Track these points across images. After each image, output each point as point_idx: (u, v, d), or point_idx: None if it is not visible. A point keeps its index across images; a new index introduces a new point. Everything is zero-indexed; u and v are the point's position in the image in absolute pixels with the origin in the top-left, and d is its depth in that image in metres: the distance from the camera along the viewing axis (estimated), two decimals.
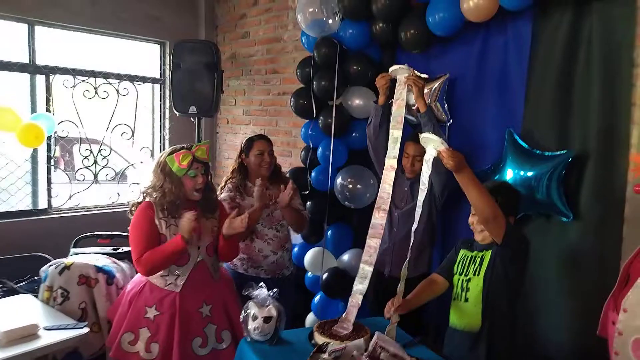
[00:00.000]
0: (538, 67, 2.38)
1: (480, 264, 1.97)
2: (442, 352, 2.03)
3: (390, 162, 2.23)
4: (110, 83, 4.19)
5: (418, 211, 2.01)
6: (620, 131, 2.13)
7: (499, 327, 1.95)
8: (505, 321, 1.96)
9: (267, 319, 2.03)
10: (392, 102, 2.38)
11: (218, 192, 2.70)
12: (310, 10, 2.97)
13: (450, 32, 2.55)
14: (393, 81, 2.46)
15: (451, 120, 2.72)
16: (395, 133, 2.25)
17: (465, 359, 1.98)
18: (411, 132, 2.61)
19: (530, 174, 2.27)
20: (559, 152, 2.23)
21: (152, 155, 4.56)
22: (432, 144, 1.88)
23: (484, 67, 2.62)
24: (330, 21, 2.96)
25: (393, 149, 2.24)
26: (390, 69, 2.46)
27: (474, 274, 1.98)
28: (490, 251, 1.96)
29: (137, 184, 4.35)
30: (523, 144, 2.36)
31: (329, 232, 3.17)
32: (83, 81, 4.04)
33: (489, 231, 1.91)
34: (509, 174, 2.36)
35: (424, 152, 2.03)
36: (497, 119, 2.57)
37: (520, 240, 1.94)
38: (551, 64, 2.32)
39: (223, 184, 2.77)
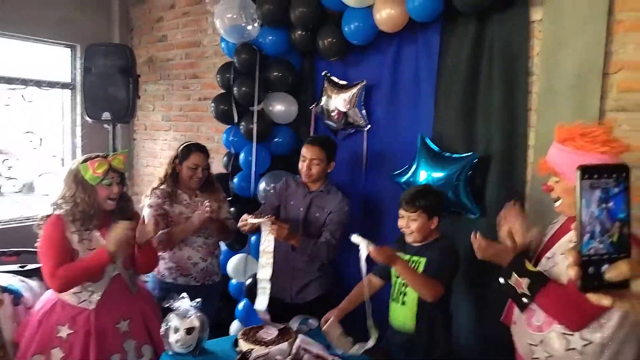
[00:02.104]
0: (446, 75, 2.54)
1: (416, 270, 2.06)
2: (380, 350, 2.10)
3: None
4: (14, 89, 3.90)
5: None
6: (519, 134, 2.33)
7: (434, 329, 2.06)
8: (440, 323, 2.07)
9: (189, 330, 1.99)
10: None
11: (148, 194, 2.63)
12: (229, 16, 2.96)
13: (365, 41, 2.65)
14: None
15: (369, 125, 2.82)
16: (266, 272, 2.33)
17: (403, 357, 2.08)
18: (309, 137, 2.63)
19: (441, 174, 2.42)
20: (465, 154, 2.39)
21: (63, 164, 4.30)
22: (362, 245, 1.97)
23: (398, 75, 2.74)
24: (249, 27, 2.96)
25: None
26: (254, 220, 2.33)
27: None
28: (425, 258, 2.07)
29: (47, 195, 4.08)
30: (434, 146, 2.50)
31: (253, 239, 3.16)
32: None
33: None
34: (422, 175, 2.49)
35: (320, 156, 2.44)
36: (410, 123, 2.70)
37: (454, 266, 2.10)
38: (457, 73, 2.48)
39: (155, 186, 2.67)
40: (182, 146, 2.71)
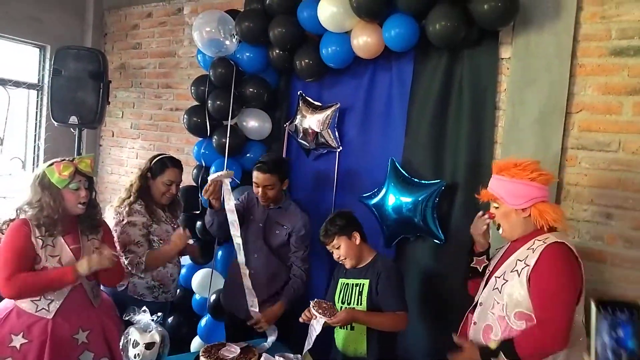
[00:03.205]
0: (417, 104, 2.62)
1: (361, 293, 2.13)
2: None
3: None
4: None
5: None
6: (485, 165, 2.41)
7: (385, 349, 2.10)
8: (388, 341, 2.13)
9: (149, 345, 1.95)
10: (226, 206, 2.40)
11: (117, 209, 2.47)
12: (207, 29, 2.96)
13: (342, 64, 2.71)
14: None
15: (341, 147, 2.87)
16: (236, 239, 2.38)
17: None
18: (258, 162, 2.55)
19: (409, 199, 2.48)
20: (433, 181, 2.46)
21: (24, 166, 4.16)
22: (320, 321, 2.02)
23: (371, 100, 2.81)
24: (227, 42, 2.98)
25: (239, 252, 2.39)
26: (213, 176, 2.42)
27: (357, 303, 2.13)
28: (368, 280, 2.13)
29: (4, 197, 3.93)
30: (403, 172, 2.57)
31: (219, 253, 3.13)
32: None
33: None
34: (391, 199, 2.54)
35: (272, 181, 2.46)
36: (381, 148, 2.76)
37: (402, 282, 2.18)
38: (428, 102, 2.57)
39: (122, 201, 2.49)
40: (156, 160, 2.57)
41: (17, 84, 4.03)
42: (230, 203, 2.34)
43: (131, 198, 2.48)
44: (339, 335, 2.18)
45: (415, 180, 2.52)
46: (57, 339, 2.04)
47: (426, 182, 2.48)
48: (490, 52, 2.43)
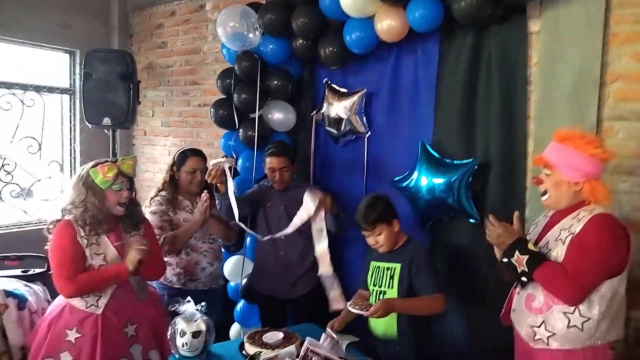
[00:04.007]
0: (445, 84, 2.59)
1: (392, 277, 2.15)
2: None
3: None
4: (14, 94, 3.90)
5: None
6: (518, 141, 2.39)
7: (417, 332, 2.12)
8: (420, 327, 2.13)
9: (195, 334, 2.02)
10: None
11: (147, 204, 2.64)
12: (231, 24, 2.99)
13: (366, 50, 2.70)
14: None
15: (369, 132, 2.87)
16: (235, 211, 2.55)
17: None
18: (270, 149, 2.73)
19: (441, 180, 2.47)
20: (465, 161, 2.44)
21: (62, 169, 4.30)
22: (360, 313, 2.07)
23: (397, 83, 2.80)
24: (250, 35, 3.00)
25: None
26: (214, 162, 2.55)
27: (388, 287, 2.15)
28: (400, 264, 2.14)
29: (45, 200, 4.08)
30: (434, 153, 2.55)
31: (248, 240, 3.18)
32: None
33: None
34: (423, 181, 2.54)
35: (287, 163, 2.66)
36: (410, 131, 2.75)
37: (436, 264, 2.21)
38: (456, 82, 2.54)
39: (154, 194, 2.71)
40: (178, 153, 2.79)
41: (51, 90, 4.16)
42: (230, 187, 2.53)
43: (157, 192, 2.71)
44: (371, 319, 2.18)
45: (447, 160, 2.50)
46: (107, 333, 2.14)
47: (458, 162, 2.46)
48: (518, 27, 2.38)
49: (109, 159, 2.23)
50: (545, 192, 1.83)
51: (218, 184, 2.56)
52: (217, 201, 2.64)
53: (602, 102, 2.19)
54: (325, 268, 2.58)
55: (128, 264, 2.13)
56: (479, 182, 2.46)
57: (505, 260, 1.80)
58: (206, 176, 2.54)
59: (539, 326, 1.77)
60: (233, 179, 2.60)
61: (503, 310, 2.00)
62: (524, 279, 1.77)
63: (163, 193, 2.71)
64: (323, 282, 2.59)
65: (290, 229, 2.59)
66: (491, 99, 2.44)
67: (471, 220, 2.46)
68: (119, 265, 2.14)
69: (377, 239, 2.17)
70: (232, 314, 3.21)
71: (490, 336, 2.28)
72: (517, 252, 1.76)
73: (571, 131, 1.80)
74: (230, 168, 2.57)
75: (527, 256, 1.73)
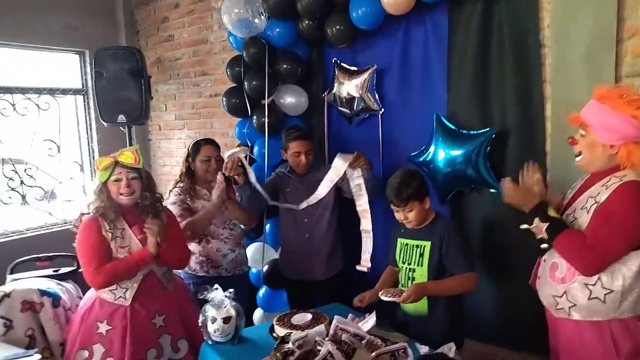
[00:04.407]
0: (456, 55, 2.55)
1: (422, 255, 2.13)
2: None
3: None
4: (29, 98, 3.96)
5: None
6: (535, 107, 2.34)
7: (446, 309, 2.11)
8: (451, 302, 2.12)
9: (226, 320, 2.06)
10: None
11: (166, 197, 2.68)
12: (236, 11, 2.98)
13: (373, 25, 2.67)
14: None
15: (383, 109, 2.85)
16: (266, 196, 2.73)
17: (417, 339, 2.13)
18: (294, 133, 2.75)
19: (459, 152, 2.44)
20: (482, 130, 2.41)
21: (82, 169, 4.38)
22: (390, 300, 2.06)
23: (408, 57, 2.76)
24: (256, 21, 2.98)
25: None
26: (230, 152, 2.60)
27: (418, 265, 2.14)
28: (429, 242, 2.12)
29: (69, 201, 4.17)
30: (450, 125, 2.52)
31: (267, 227, 3.20)
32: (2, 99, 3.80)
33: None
34: (441, 155, 2.52)
35: (312, 145, 2.74)
36: (424, 104, 2.71)
37: (468, 241, 2.17)
38: (468, 51, 2.49)
39: (172, 186, 2.77)
40: (192, 143, 2.84)
41: (65, 91, 4.22)
42: (250, 175, 2.62)
43: (175, 184, 2.77)
44: None
45: (464, 132, 2.47)
46: (136, 324, 2.20)
47: (475, 132, 2.44)
48: None
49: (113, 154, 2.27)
50: (580, 154, 1.74)
51: (236, 176, 2.58)
52: (237, 193, 2.68)
53: (619, 60, 2.13)
54: (366, 222, 2.62)
55: (149, 246, 2.18)
56: (497, 151, 2.43)
57: (524, 227, 1.77)
58: (223, 169, 2.56)
59: (561, 296, 1.74)
60: (250, 165, 2.62)
61: (532, 277, 1.98)
62: (544, 245, 1.74)
63: (181, 184, 2.76)
64: (363, 238, 2.65)
65: (322, 188, 2.65)
66: (505, 65, 2.39)
67: (492, 190, 2.44)
68: (141, 250, 2.20)
69: (408, 215, 2.13)
70: (255, 299, 3.27)
71: (522, 306, 2.28)
72: (537, 218, 1.72)
73: (612, 89, 1.69)
74: (245, 157, 2.61)
75: (547, 224, 1.69)
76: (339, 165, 2.59)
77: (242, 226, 2.93)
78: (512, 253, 2.41)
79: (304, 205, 2.70)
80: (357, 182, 2.60)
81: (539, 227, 1.72)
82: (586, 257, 1.63)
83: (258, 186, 2.65)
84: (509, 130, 2.40)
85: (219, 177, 2.63)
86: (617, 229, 1.59)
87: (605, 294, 1.64)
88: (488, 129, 2.40)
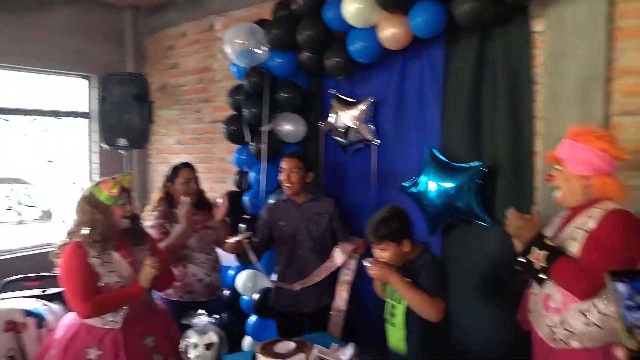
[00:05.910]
0: (451, 88, 2.59)
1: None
2: None
3: None
4: (33, 120, 4.04)
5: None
6: (525, 141, 2.36)
7: (427, 348, 2.00)
8: (433, 341, 2.00)
9: (208, 346, 2.02)
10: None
11: (143, 218, 2.67)
12: (238, 41, 3.05)
13: (371, 59, 2.72)
14: None
15: (378, 140, 2.87)
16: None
17: None
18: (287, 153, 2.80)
19: (450, 184, 2.45)
20: (473, 164, 2.42)
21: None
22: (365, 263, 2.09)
23: (404, 90, 2.80)
24: (258, 51, 3.05)
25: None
26: (233, 239, 2.54)
27: (398, 302, 2.05)
28: (409, 280, 2.03)
29: (64, 221, 4.18)
30: (442, 157, 2.54)
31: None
32: (5, 120, 3.87)
33: None
34: (432, 186, 2.52)
35: (298, 165, 2.66)
36: (418, 137, 2.74)
37: (444, 275, 2.08)
38: (462, 85, 2.53)
39: (149, 211, 2.77)
40: (170, 168, 2.88)
41: (69, 114, 4.29)
42: (252, 258, 2.58)
43: (153, 208, 2.79)
44: (386, 331, 2.13)
45: (455, 164, 2.48)
46: (129, 347, 2.15)
47: (466, 165, 2.44)
48: (521, 27, 2.37)
49: (108, 177, 2.27)
50: (557, 189, 1.82)
51: (236, 256, 2.69)
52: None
53: (610, 98, 2.16)
54: (340, 302, 2.56)
55: (142, 282, 2.16)
56: (488, 184, 2.43)
57: (522, 260, 1.78)
58: (226, 247, 2.60)
59: (557, 326, 1.74)
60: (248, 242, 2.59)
61: (519, 312, 1.96)
62: (541, 275, 1.74)
63: (160, 208, 2.77)
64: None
65: (316, 278, 2.60)
66: (497, 100, 2.43)
67: (482, 224, 2.42)
68: (133, 285, 2.17)
69: (382, 254, 2.04)
70: (244, 325, 3.22)
71: (507, 339, 2.24)
72: (535, 248, 1.74)
73: (583, 128, 1.80)
74: (248, 240, 2.56)
75: (545, 252, 1.72)
76: (338, 256, 2.55)
77: (218, 250, 2.90)
78: (500, 287, 2.38)
79: (297, 287, 2.62)
80: (346, 279, 2.55)
81: (538, 256, 1.73)
82: (581, 280, 1.65)
83: (259, 266, 2.73)
84: (500, 164, 2.42)
85: (183, 199, 2.66)
86: (609, 254, 1.62)
87: (602, 320, 1.65)
88: (479, 162, 2.41)
